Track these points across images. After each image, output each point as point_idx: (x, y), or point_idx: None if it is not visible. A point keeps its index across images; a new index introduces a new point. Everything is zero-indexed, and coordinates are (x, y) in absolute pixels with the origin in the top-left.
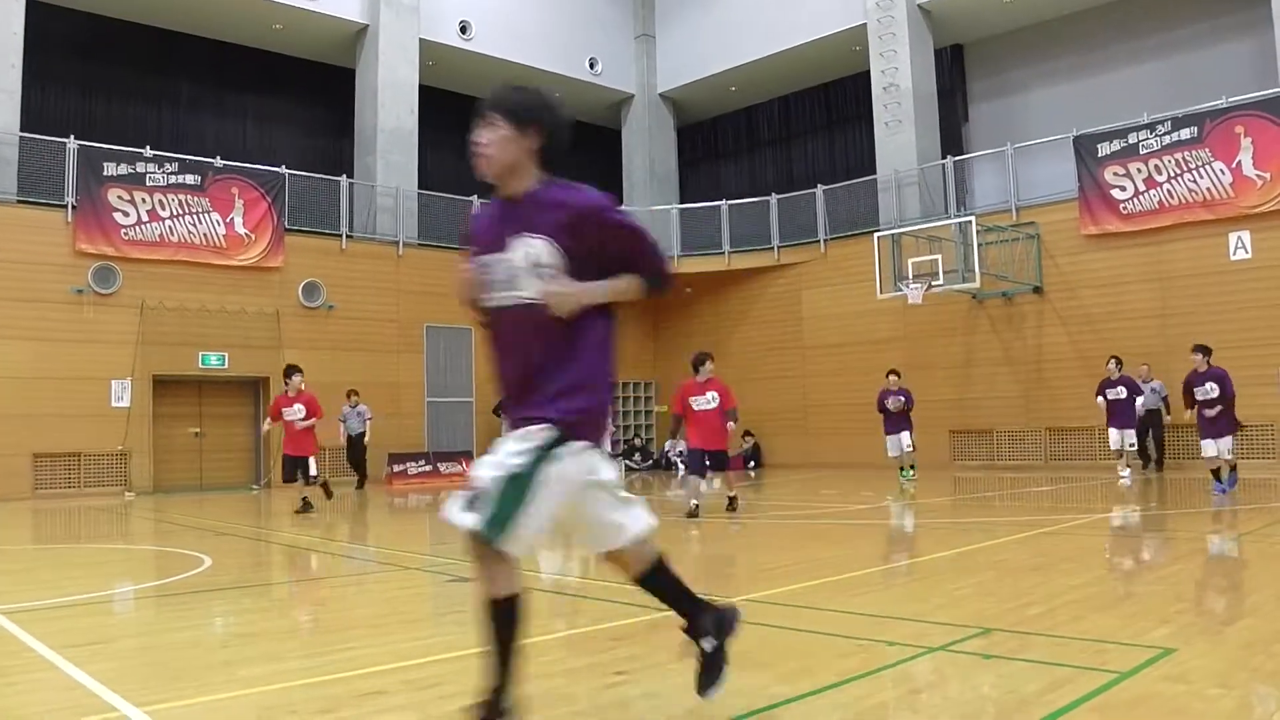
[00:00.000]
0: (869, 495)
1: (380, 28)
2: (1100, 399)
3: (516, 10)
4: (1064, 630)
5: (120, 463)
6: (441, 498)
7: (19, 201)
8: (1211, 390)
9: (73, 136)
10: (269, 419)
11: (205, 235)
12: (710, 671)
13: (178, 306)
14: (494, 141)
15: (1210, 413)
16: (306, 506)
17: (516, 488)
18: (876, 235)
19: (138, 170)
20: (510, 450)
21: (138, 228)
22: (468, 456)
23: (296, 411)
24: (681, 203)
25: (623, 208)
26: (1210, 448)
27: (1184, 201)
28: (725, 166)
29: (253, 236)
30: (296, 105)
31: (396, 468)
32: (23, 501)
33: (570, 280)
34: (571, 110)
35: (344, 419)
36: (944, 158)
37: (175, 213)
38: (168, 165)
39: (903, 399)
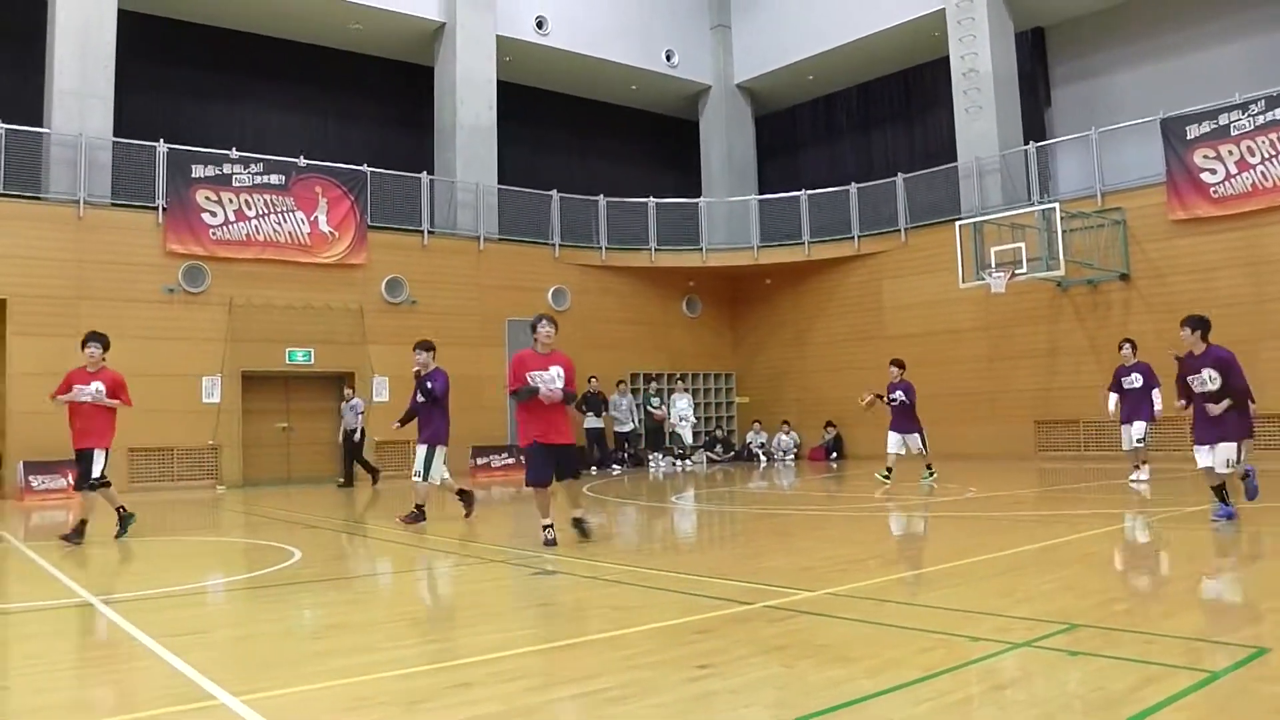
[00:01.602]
0: (952, 487)
1: (458, 25)
2: (1113, 393)
3: (592, 4)
4: (1152, 627)
5: (211, 457)
6: (525, 491)
7: (112, 204)
8: (1211, 380)
9: (162, 140)
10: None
11: (290, 234)
12: None
13: (265, 304)
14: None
15: (1215, 409)
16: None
17: None
18: (958, 223)
19: (224, 171)
20: None
21: (225, 227)
22: None
23: (93, 391)
24: (760, 193)
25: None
26: (1203, 456)
27: (1279, 184)
28: (804, 156)
29: (336, 234)
30: (376, 103)
31: (480, 460)
32: (120, 494)
33: None
34: (648, 102)
35: (342, 414)
36: (1026, 143)
37: (261, 212)
38: (253, 166)
39: (900, 394)
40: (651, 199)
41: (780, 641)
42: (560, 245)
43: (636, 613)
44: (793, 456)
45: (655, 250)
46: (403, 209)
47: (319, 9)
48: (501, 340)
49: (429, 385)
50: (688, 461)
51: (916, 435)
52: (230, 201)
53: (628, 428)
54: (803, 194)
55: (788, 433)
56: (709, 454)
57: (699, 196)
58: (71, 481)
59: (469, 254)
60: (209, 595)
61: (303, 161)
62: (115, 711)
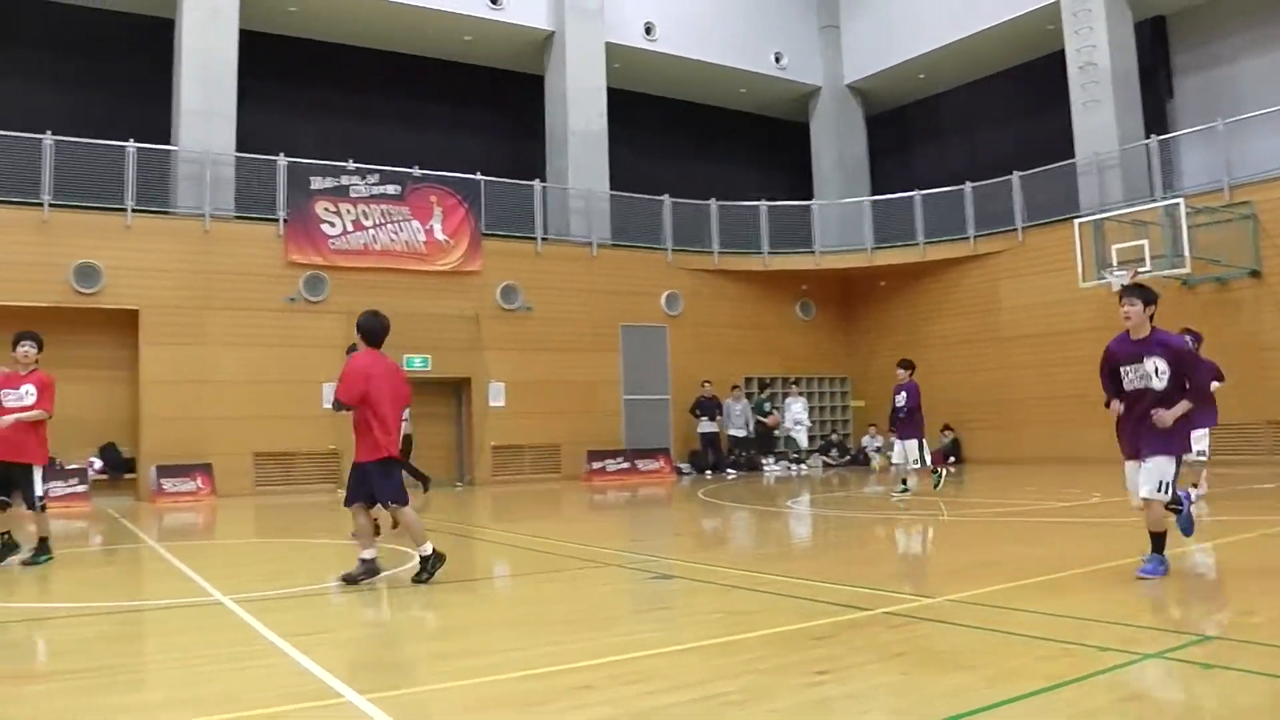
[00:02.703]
0: (1073, 492)
1: (566, 33)
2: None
3: (700, 8)
4: None
5: (332, 461)
6: (640, 495)
7: (236, 217)
8: (1158, 375)
9: (282, 154)
10: None
11: (407, 242)
12: None
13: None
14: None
15: (1165, 416)
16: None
17: None
18: (1077, 221)
19: (342, 183)
20: None
21: (344, 238)
22: (665, 454)
23: (23, 395)
24: (873, 194)
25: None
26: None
27: None
28: (916, 155)
29: (452, 242)
30: (488, 113)
31: (594, 465)
32: (245, 498)
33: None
34: (757, 105)
35: None
36: (1147, 137)
37: (378, 222)
38: (369, 177)
39: (904, 396)
40: (763, 202)
41: (899, 648)
42: (673, 250)
43: (753, 618)
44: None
45: (768, 254)
46: (516, 216)
47: (431, 23)
48: (616, 345)
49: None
50: (802, 466)
51: (914, 442)
52: (348, 212)
53: (741, 432)
54: (916, 194)
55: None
56: (824, 458)
57: (811, 199)
58: (200, 486)
59: (582, 260)
60: (333, 596)
61: (418, 171)
62: (245, 707)
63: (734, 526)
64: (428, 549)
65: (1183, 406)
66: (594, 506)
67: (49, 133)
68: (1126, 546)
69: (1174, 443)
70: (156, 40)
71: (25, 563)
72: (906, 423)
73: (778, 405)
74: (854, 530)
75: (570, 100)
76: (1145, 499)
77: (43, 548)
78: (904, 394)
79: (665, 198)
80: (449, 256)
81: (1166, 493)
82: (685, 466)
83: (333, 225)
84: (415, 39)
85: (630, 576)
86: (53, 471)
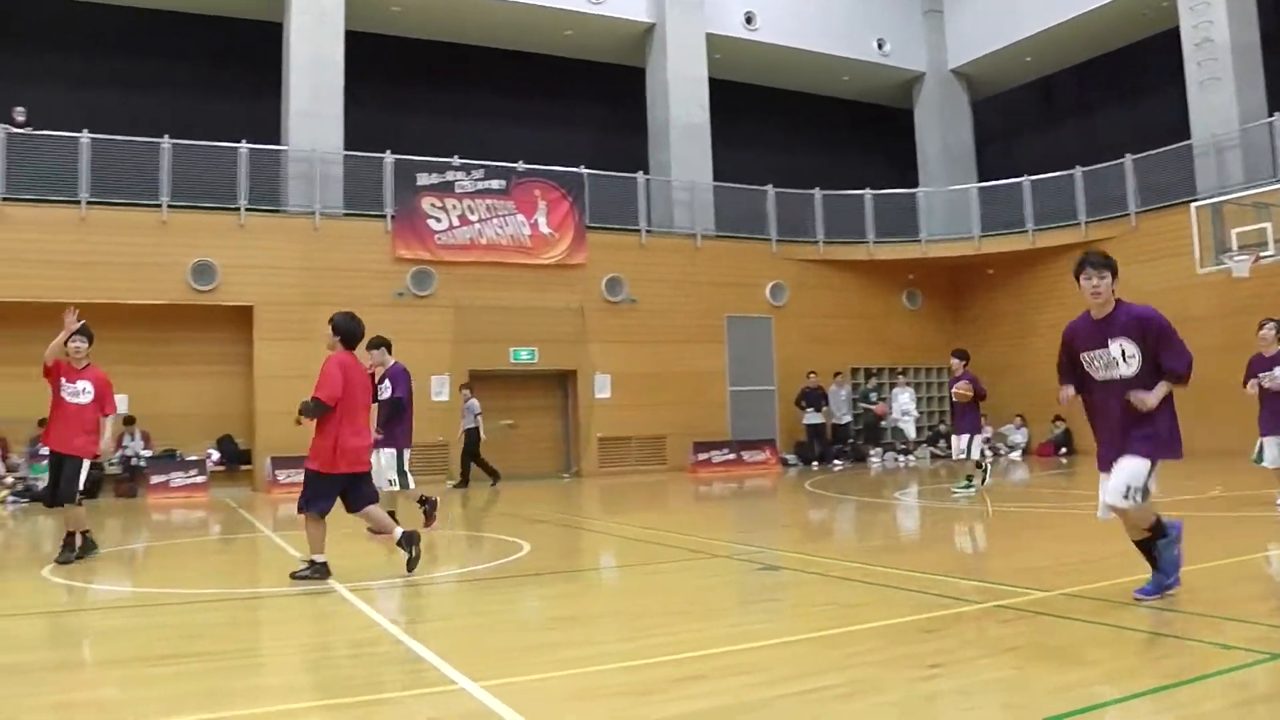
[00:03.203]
0: (1191, 484)
1: (667, 25)
2: (1252, 386)
3: None
4: None
5: (441, 453)
6: (746, 486)
7: (345, 215)
8: (1126, 359)
9: (389, 152)
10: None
11: (512, 236)
12: None
13: (489, 305)
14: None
15: (1145, 400)
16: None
17: None
18: (1194, 205)
19: (447, 179)
20: None
21: (450, 232)
22: (771, 445)
23: (79, 392)
24: (980, 180)
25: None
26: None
27: None
28: (1023, 140)
29: (556, 235)
30: (590, 106)
31: (700, 456)
32: None
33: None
34: (860, 92)
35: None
36: (1271, 115)
37: (483, 216)
38: (474, 172)
39: (965, 383)
40: (868, 190)
41: (1011, 643)
42: (777, 240)
43: (862, 610)
44: (1020, 452)
45: (873, 243)
46: (620, 209)
47: (532, 19)
48: (721, 337)
49: (388, 386)
50: (910, 457)
51: (967, 437)
52: (454, 207)
53: (846, 418)
54: (1025, 180)
55: (1019, 427)
56: (932, 449)
57: (916, 186)
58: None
59: (686, 251)
60: (445, 585)
61: (522, 166)
62: (363, 691)
63: (841, 518)
64: (320, 559)
65: (1163, 388)
66: (700, 498)
67: (166, 137)
68: (1250, 541)
69: (1157, 444)
70: (266, 44)
71: (60, 561)
72: (962, 416)
73: (884, 395)
74: (962, 522)
75: (672, 92)
76: (1111, 506)
77: (70, 543)
78: (964, 380)
79: (769, 188)
80: (554, 250)
81: (1136, 499)
82: (791, 458)
83: (439, 220)
84: (517, 35)
85: (738, 568)
86: (174, 463)
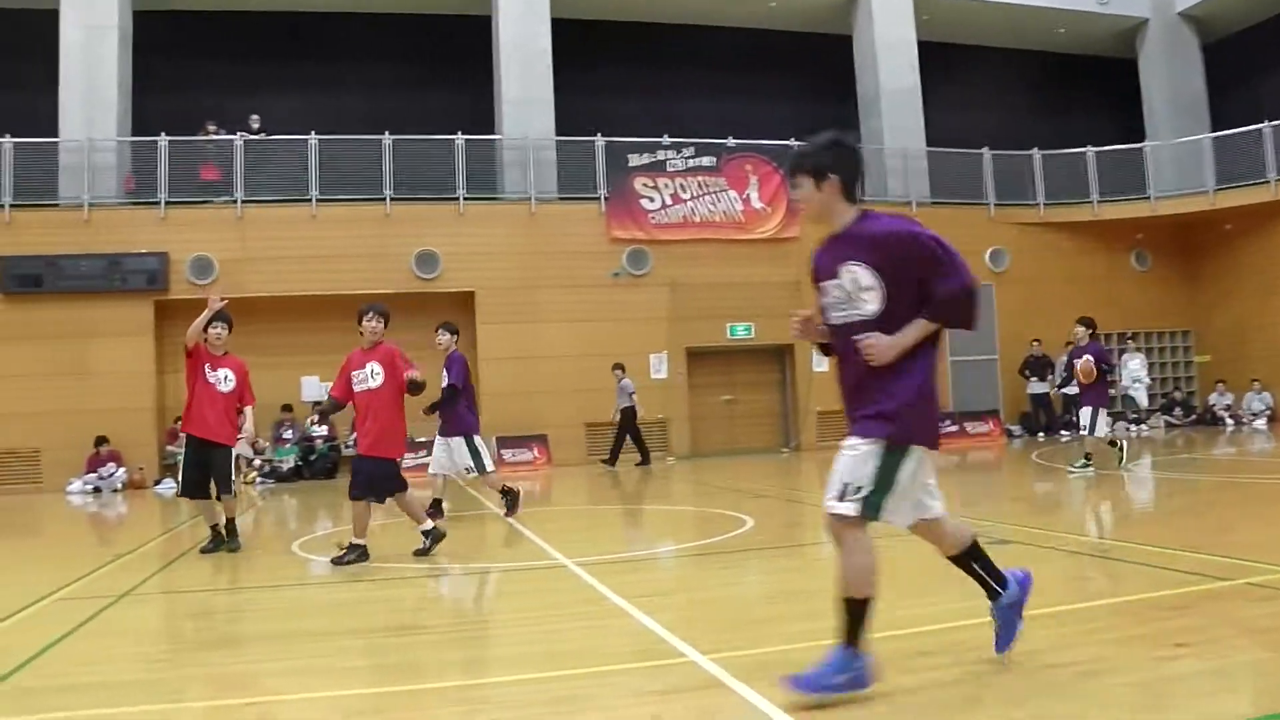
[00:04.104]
0: None
1: None
2: None
3: None
4: None
5: (661, 430)
6: (970, 459)
7: (559, 198)
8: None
9: (599, 134)
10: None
11: (725, 213)
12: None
13: (704, 282)
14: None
15: None
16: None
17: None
18: None
19: (658, 158)
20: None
21: (663, 211)
22: (994, 416)
23: (221, 380)
24: (1213, 130)
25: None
26: None
27: None
28: (1263, 84)
29: (769, 209)
30: (797, 77)
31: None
32: (578, 467)
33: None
34: (1077, 45)
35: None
36: None
37: (695, 194)
38: (684, 150)
39: (1087, 360)
40: (1090, 148)
41: (1266, 623)
42: (995, 204)
43: (1099, 585)
44: (1265, 420)
45: (1098, 202)
46: None
47: None
48: None
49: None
50: (1143, 426)
51: (1090, 410)
52: (666, 186)
53: (1074, 389)
54: (1266, 126)
55: (1259, 392)
56: (1166, 418)
57: (1141, 140)
58: (537, 455)
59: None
60: (669, 559)
61: (732, 142)
62: (597, 662)
63: (1071, 490)
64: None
65: (914, 330)
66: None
67: (387, 134)
68: None
69: (895, 416)
70: (476, 37)
71: (204, 550)
72: (1088, 388)
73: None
74: (1203, 494)
75: (880, 57)
76: (828, 512)
77: (232, 530)
78: (1087, 358)
79: (985, 150)
80: (767, 224)
81: (853, 503)
82: (1015, 429)
83: (652, 200)
84: (718, 9)
85: None
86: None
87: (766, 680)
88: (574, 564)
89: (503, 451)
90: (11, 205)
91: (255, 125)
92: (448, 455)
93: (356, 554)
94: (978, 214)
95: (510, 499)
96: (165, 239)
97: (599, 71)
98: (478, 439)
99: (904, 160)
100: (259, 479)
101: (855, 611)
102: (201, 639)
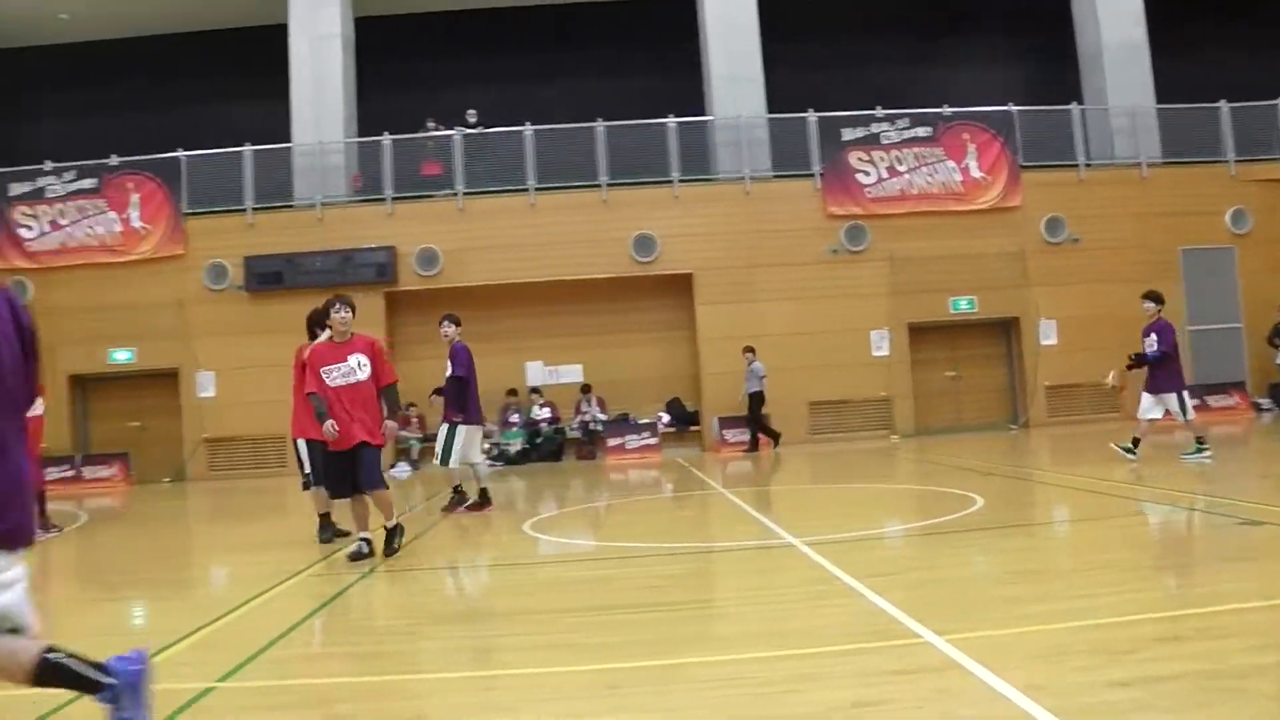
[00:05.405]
0: None
1: None
2: None
3: None
4: None
5: (884, 407)
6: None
7: (774, 176)
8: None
9: (811, 110)
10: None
11: (943, 184)
12: None
13: (924, 255)
14: None
15: None
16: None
17: None
18: None
19: (872, 131)
20: None
21: (879, 185)
22: (1240, 388)
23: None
24: None
25: None
26: None
27: None
28: None
29: (989, 178)
30: (1011, 39)
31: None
32: (801, 445)
33: None
34: None
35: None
36: None
37: (912, 166)
38: (899, 122)
39: (1154, 339)
40: None
41: None
42: (1235, 161)
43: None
44: None
45: None
46: (1054, 145)
47: None
48: (1176, 273)
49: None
50: None
51: (1174, 396)
52: (881, 159)
53: None
54: None
55: None
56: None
57: None
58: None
59: (1131, 183)
60: (898, 539)
61: (947, 110)
62: (826, 642)
63: None
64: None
65: None
66: (1159, 446)
67: (600, 120)
68: None
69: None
70: (680, 19)
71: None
72: (1159, 371)
73: None
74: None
75: (1102, 11)
76: None
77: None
78: (1153, 336)
79: (1222, 104)
80: (987, 194)
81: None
82: (1265, 401)
83: (867, 174)
84: None
85: (1210, 522)
86: (628, 426)
87: (1005, 662)
88: (802, 543)
89: (724, 432)
90: (253, 208)
91: (472, 119)
92: (455, 443)
93: (400, 534)
94: (1216, 172)
95: (457, 499)
96: (392, 233)
97: (807, 45)
98: (463, 432)
99: (1132, 119)
100: (487, 461)
101: None
102: (442, 612)
